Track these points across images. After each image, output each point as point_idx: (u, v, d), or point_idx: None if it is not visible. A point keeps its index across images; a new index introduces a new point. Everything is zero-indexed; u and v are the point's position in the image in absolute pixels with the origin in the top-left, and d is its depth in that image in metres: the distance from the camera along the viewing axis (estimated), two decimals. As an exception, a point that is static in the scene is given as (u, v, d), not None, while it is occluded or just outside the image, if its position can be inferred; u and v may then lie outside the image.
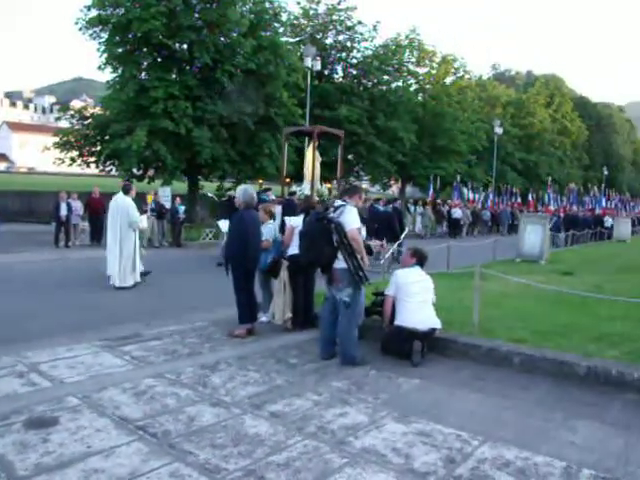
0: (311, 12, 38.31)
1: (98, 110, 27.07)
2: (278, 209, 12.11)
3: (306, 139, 25.78)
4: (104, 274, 10.54)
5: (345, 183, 23.71)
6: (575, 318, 7.50)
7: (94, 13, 23.79)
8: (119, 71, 24.82)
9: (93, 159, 25.57)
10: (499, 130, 45.54)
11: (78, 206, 18.59)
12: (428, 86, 45.66)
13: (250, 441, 3.89)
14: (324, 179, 32.21)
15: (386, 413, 4.49)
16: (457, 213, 30.90)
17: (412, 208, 30.78)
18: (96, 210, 18.50)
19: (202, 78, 24.76)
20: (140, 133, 21.84)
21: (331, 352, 5.94)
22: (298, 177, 29.64)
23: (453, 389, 5.13)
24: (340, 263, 5.65)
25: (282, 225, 8.55)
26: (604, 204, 44.00)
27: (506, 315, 7.50)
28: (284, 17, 32.07)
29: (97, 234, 18.42)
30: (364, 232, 13.82)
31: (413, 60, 44.86)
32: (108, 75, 25.78)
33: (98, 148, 25.04)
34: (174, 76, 24.36)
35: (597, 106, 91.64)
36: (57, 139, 25.16)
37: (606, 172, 72.25)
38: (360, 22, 38.74)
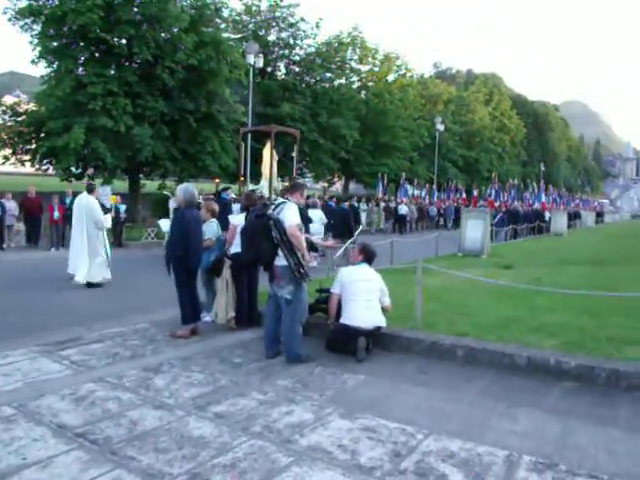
0: (253, 8, 38.10)
1: (32, 106, 26.09)
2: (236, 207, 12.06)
3: (248, 136, 25.65)
4: (43, 276, 10.24)
5: (290, 180, 23.80)
6: (515, 310, 7.70)
7: (24, 3, 22.79)
8: (54, 66, 23.89)
9: (28, 157, 24.62)
10: (440, 127, 46.40)
11: (12, 206, 17.88)
12: (370, 84, 46.16)
13: (194, 443, 3.83)
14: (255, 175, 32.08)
15: (332, 410, 4.50)
16: (403, 209, 31.51)
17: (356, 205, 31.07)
18: (32, 210, 17.87)
19: (142, 74, 24.19)
20: (78, 131, 21.18)
21: (276, 350, 5.91)
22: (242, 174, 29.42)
23: (398, 384, 5.18)
24: (281, 260, 5.63)
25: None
26: (543, 199, 45.50)
27: (448, 309, 7.62)
28: (226, 13, 31.82)
29: (34, 235, 17.80)
30: (322, 228, 14.14)
31: (356, 58, 45.25)
32: (43, 70, 24.77)
33: (33, 146, 24.13)
34: (113, 72, 23.63)
35: (534, 104, 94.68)
36: (-13, 136, 24.12)
37: (543, 168, 74.82)
38: (303, 19, 38.79)
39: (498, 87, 79.16)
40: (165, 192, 24.61)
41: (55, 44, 23.45)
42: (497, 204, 36.55)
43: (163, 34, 24.65)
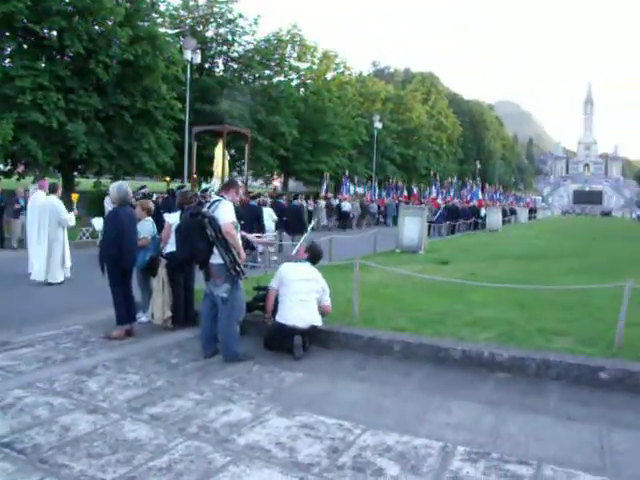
0: (191, 3, 37.61)
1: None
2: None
3: (186, 134, 25.30)
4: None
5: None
6: (451, 305, 7.87)
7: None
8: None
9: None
10: (378, 125, 46.96)
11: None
12: (309, 81, 46.28)
13: (129, 447, 3.74)
14: (211, 174, 31.63)
15: (270, 408, 4.48)
16: (346, 206, 31.80)
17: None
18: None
19: (75, 69, 23.49)
20: (6, 126, 20.28)
21: (213, 349, 5.84)
22: (179, 173, 29.04)
23: (336, 380, 5.21)
24: (216, 258, 5.56)
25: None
26: (480, 196, 46.72)
27: (386, 305, 7.72)
28: (162, 7, 31.23)
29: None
30: (272, 225, 14.12)
31: (294, 55, 45.28)
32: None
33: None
34: (43, 65, 22.84)
35: (469, 104, 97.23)
36: None
37: (479, 166, 76.88)
38: (241, 15, 38.54)
39: (435, 86, 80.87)
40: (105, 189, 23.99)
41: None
42: (439, 201, 37.46)
43: (97, 27, 23.98)
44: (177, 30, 35.95)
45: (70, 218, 10.95)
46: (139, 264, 7.04)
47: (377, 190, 42.13)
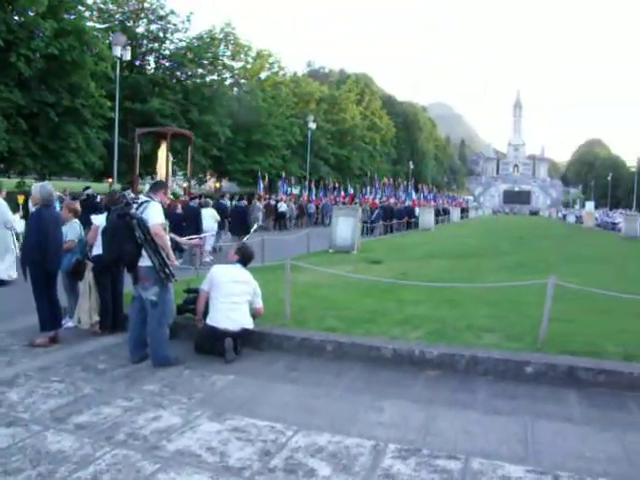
0: (121, -2, 36.55)
1: None
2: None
3: (116, 133, 24.64)
4: None
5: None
6: (382, 304, 7.95)
7: None
8: None
9: None
10: (312, 125, 47.06)
11: None
12: (243, 81, 45.96)
13: (52, 459, 3.58)
14: (140, 175, 30.93)
15: (201, 412, 4.40)
16: (283, 207, 31.80)
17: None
18: None
19: (-6, 62, 22.42)
20: None
21: (142, 354, 5.69)
22: (108, 173, 28.27)
23: (267, 382, 5.17)
24: (145, 261, 5.44)
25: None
26: (414, 196, 47.66)
27: (318, 305, 7.72)
28: (90, 0, 30.23)
29: None
30: (215, 226, 13.95)
31: (228, 54, 44.95)
32: None
33: None
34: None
35: (403, 105, 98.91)
36: None
37: (412, 166, 78.27)
38: (173, 12, 37.98)
39: (369, 87, 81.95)
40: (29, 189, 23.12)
41: None
42: (376, 201, 38.02)
43: (17, 17, 22.89)
44: (106, 25, 34.96)
45: (15, 219, 11.09)
46: (65, 267, 6.79)
47: (314, 191, 42.27)
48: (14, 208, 22.90)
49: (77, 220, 7.19)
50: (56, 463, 3.53)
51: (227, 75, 45.19)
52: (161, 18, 37.81)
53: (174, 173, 38.82)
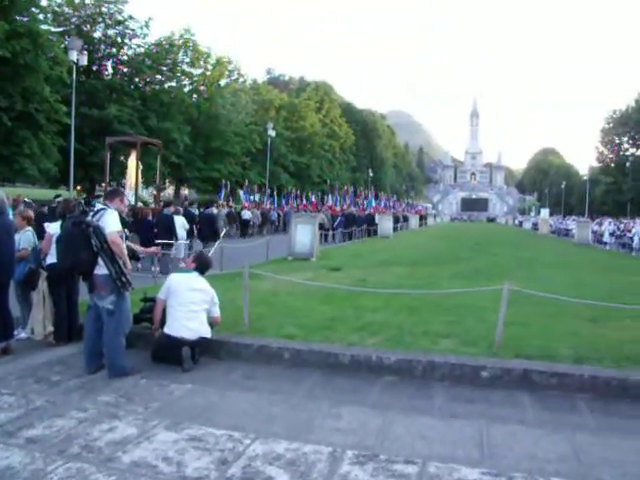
0: (76, 1, 35.94)
1: None
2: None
3: (72, 139, 24.18)
4: None
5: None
6: (341, 311, 7.99)
7: None
8: None
9: None
10: (272, 133, 46.99)
11: None
12: (202, 87, 45.70)
13: (0, 476, 3.48)
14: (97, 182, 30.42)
15: (157, 422, 4.35)
16: (247, 214, 31.66)
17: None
18: None
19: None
20: None
21: (98, 364, 5.59)
22: (63, 179, 27.69)
23: (225, 391, 5.14)
24: (101, 269, 5.36)
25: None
26: (374, 204, 48.03)
27: (276, 313, 7.71)
28: (44, 2, 29.61)
29: None
30: (184, 234, 13.82)
31: (187, 60, 44.65)
32: None
33: None
34: None
35: (362, 113, 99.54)
36: None
37: (371, 174, 78.84)
38: (131, 17, 37.49)
39: (329, 95, 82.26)
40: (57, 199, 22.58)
41: None
42: (337, 208, 38.23)
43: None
44: (61, 29, 34.27)
45: None
46: (18, 277, 6.63)
47: (276, 198, 42.19)
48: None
49: (30, 228, 7.03)
50: None
51: (186, 82, 44.87)
52: (119, 23, 37.31)
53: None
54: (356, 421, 4.48)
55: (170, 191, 50.47)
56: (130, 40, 38.54)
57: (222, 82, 48.32)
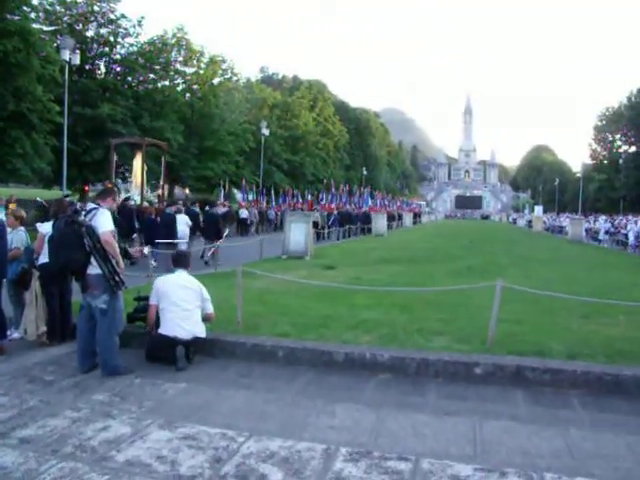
0: (68, 0, 35.72)
1: None
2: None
3: (65, 139, 24.10)
4: None
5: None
6: (335, 309, 8.00)
7: None
8: None
9: None
10: (266, 131, 46.93)
11: None
12: (196, 86, 45.60)
13: (-7, 477, 3.48)
14: (92, 182, 30.37)
15: (151, 421, 4.35)
16: (244, 213, 31.69)
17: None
18: None
19: None
20: None
21: (91, 364, 5.58)
22: (57, 179, 27.59)
23: (219, 389, 5.14)
24: (94, 269, 5.34)
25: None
26: (369, 202, 47.96)
27: (270, 311, 7.72)
28: (35, 1, 29.42)
29: None
30: (187, 231, 13.86)
31: (180, 59, 44.55)
32: None
33: None
34: None
35: (356, 111, 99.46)
36: None
37: (365, 172, 78.82)
38: (124, 16, 37.34)
39: (322, 93, 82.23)
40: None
41: None
42: (332, 206, 38.21)
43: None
44: (54, 27, 34.11)
45: None
46: (10, 277, 6.60)
47: (274, 197, 42.10)
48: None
49: (23, 228, 7.01)
50: (-3, 480, 3.43)
51: (179, 81, 44.77)
52: (111, 22, 37.16)
53: (125, 179, 38.30)
54: (350, 418, 4.48)
55: (164, 190, 50.29)
56: (123, 39, 38.40)
57: (215, 81, 48.15)
